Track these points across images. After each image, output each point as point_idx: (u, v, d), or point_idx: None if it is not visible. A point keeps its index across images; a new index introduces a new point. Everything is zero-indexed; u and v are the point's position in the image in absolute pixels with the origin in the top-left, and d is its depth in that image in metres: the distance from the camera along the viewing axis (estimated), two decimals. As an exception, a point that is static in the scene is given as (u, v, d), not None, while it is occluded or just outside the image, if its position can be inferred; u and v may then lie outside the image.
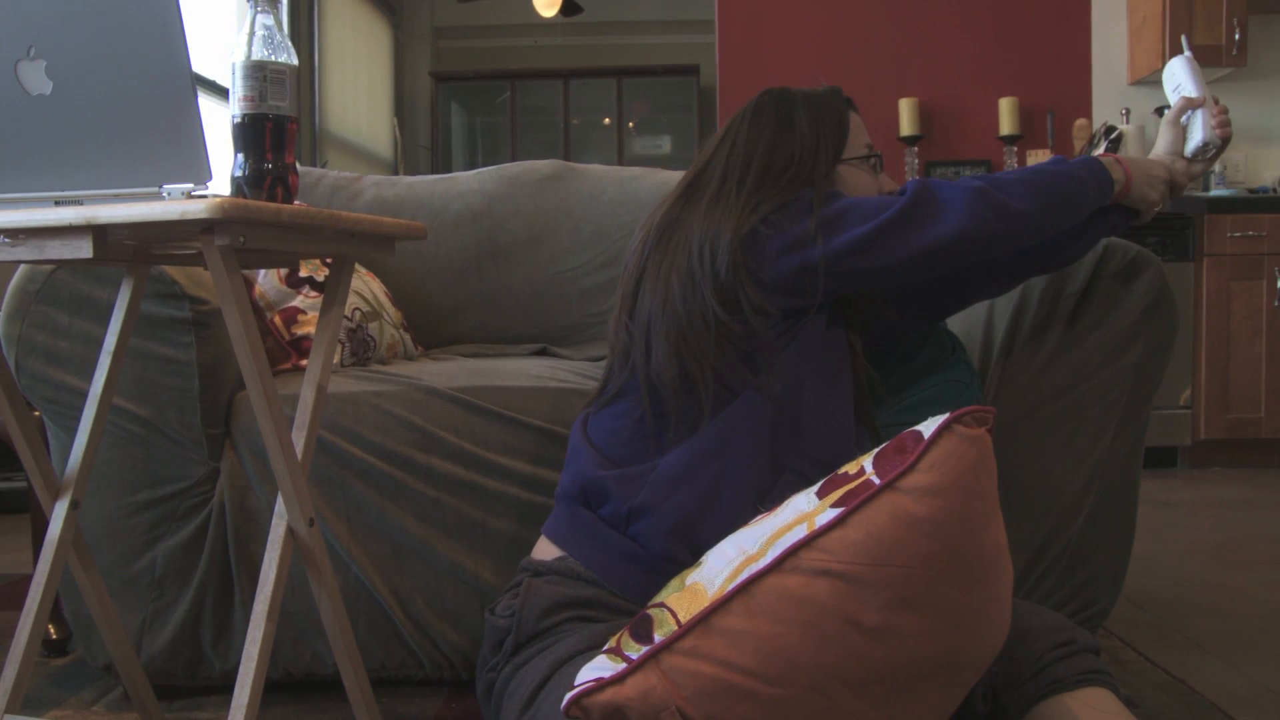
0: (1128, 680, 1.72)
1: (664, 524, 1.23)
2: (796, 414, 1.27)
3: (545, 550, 1.31)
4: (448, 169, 8.07)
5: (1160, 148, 1.55)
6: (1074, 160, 1.39)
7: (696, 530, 1.22)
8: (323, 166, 5.50)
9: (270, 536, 1.27)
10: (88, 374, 1.46)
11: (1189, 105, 1.49)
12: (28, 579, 1.40)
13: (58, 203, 1.14)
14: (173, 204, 1.06)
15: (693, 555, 1.17)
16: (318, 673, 1.70)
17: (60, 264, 1.56)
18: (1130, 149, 4.29)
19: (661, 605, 1.04)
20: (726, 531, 1.10)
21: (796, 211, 1.29)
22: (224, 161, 1.20)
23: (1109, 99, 4.52)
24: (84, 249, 1.09)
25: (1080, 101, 4.53)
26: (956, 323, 1.84)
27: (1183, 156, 1.52)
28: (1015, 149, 4.46)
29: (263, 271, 1.88)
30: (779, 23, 4.54)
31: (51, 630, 1.92)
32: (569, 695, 0.98)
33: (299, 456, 1.29)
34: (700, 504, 1.23)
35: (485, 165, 2.56)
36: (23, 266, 1.62)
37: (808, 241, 1.27)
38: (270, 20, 1.19)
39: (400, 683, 1.73)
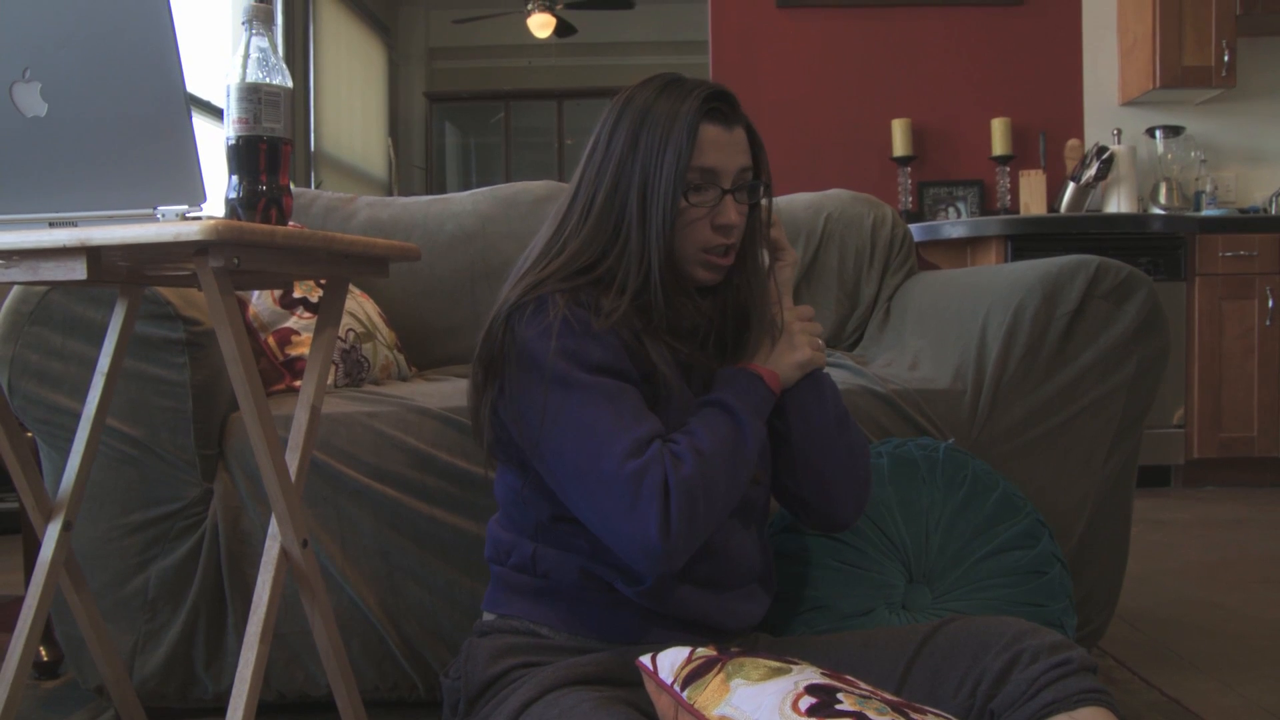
0: (1122, 700, 1.72)
1: (570, 559, 1.23)
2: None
3: (486, 616, 1.32)
4: (442, 189, 8.10)
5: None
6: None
7: (605, 552, 1.20)
8: (317, 187, 5.51)
9: (264, 558, 1.27)
10: (81, 395, 1.45)
11: None
12: (19, 601, 1.39)
13: (52, 224, 1.14)
14: (167, 226, 1.06)
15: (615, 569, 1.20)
16: (311, 695, 1.69)
17: (54, 285, 1.56)
18: (1122, 169, 4.32)
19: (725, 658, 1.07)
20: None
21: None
22: (218, 183, 1.21)
23: (1100, 120, 4.55)
24: (78, 270, 1.09)
25: (1072, 122, 4.56)
26: (949, 341, 1.85)
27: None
28: (1008, 169, 4.49)
29: (257, 292, 1.88)
30: (772, 44, 4.57)
31: (43, 652, 1.91)
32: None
33: (293, 478, 1.29)
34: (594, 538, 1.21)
35: (479, 185, 2.57)
36: (16, 287, 1.62)
37: None
38: (265, 42, 1.19)
39: (394, 705, 1.72)
